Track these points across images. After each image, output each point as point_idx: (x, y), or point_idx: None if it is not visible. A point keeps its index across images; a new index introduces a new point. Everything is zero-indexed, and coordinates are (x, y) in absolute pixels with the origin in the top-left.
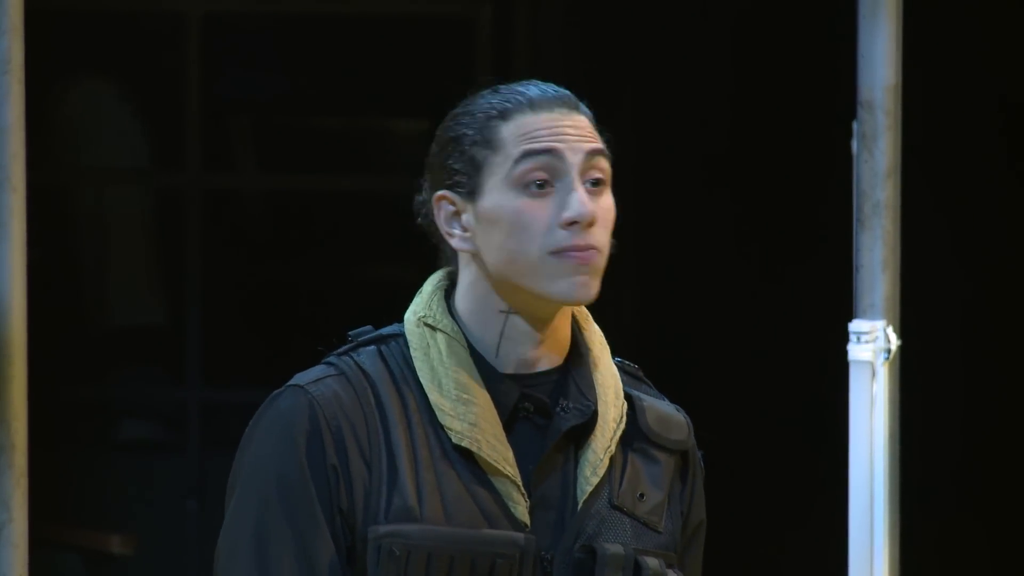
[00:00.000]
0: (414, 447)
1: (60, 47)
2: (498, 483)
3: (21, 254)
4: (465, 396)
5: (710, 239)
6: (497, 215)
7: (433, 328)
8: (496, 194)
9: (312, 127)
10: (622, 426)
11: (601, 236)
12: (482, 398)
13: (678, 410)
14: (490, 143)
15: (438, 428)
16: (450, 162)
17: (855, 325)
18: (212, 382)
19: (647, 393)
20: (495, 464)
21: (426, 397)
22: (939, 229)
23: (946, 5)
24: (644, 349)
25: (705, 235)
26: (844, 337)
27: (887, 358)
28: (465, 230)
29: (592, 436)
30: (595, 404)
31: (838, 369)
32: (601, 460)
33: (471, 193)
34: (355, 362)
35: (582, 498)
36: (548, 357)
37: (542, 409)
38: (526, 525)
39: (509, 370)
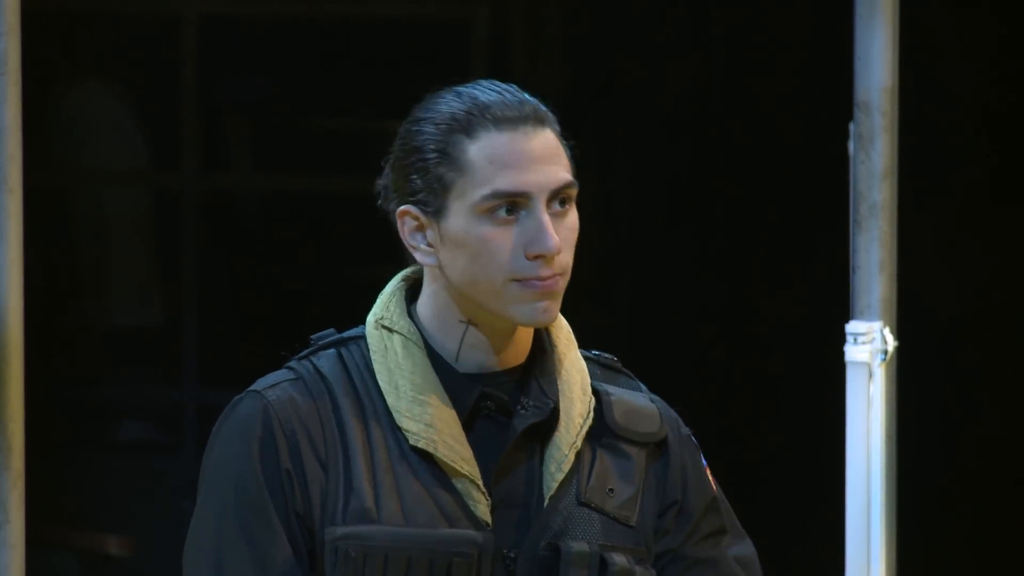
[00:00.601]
0: (371, 449)
1: (57, 48)
2: (458, 483)
3: (18, 255)
4: (421, 397)
5: (706, 240)
6: (462, 239)
7: (390, 330)
8: (461, 218)
9: (309, 129)
10: (588, 422)
11: (565, 259)
12: (439, 399)
13: (652, 400)
14: (455, 163)
15: (396, 430)
16: (414, 176)
17: (852, 326)
18: (209, 383)
19: (625, 385)
20: (452, 464)
21: (384, 399)
22: (936, 231)
23: (942, 7)
24: (638, 349)
25: (701, 236)
26: (841, 338)
27: (884, 359)
28: (429, 245)
29: (556, 433)
30: (555, 401)
31: (835, 370)
32: (566, 456)
33: (436, 212)
34: (314, 366)
35: (548, 495)
36: (510, 357)
37: (503, 408)
38: (487, 524)
39: (469, 370)
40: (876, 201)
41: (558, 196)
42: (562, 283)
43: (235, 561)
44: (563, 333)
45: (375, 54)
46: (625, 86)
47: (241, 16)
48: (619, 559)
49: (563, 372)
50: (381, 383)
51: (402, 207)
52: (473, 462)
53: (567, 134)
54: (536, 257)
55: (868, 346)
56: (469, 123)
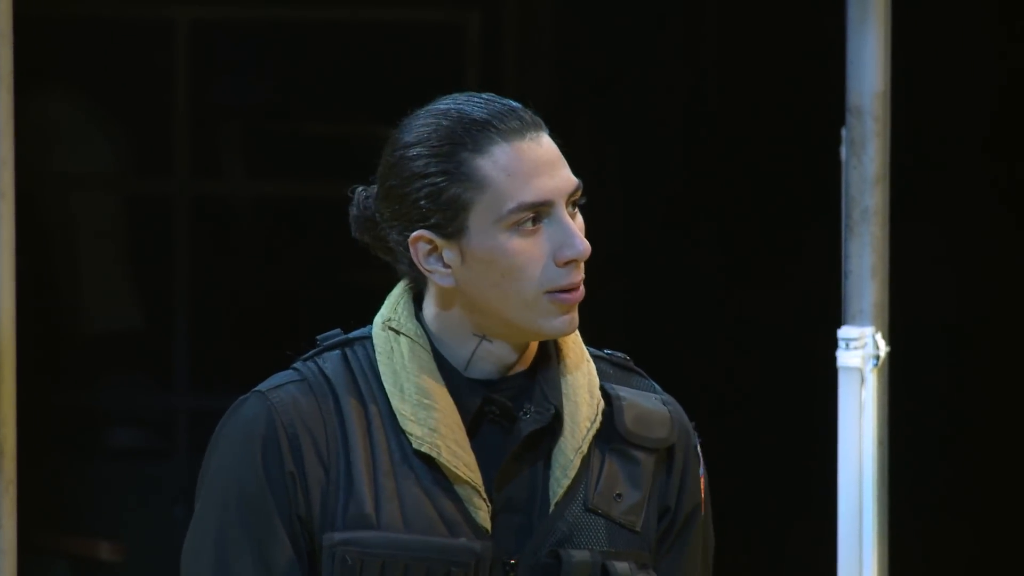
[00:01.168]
0: (373, 453)
1: (48, 53)
2: (459, 488)
3: (10, 260)
4: (426, 401)
5: (699, 245)
6: (489, 256)
7: (397, 332)
8: (485, 235)
9: (301, 134)
10: (596, 426)
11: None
12: (444, 403)
13: (665, 403)
14: (471, 181)
15: (399, 433)
16: (422, 202)
17: (844, 331)
18: (200, 389)
19: (638, 385)
20: (455, 470)
21: (389, 402)
22: (928, 236)
23: (934, 12)
24: (629, 353)
25: (694, 241)
26: (833, 343)
27: (875, 364)
28: (447, 266)
29: (562, 438)
30: (557, 406)
31: (827, 375)
32: (571, 461)
33: (454, 233)
34: (318, 367)
35: (553, 500)
36: (518, 363)
37: (507, 413)
38: (487, 531)
39: (475, 376)
40: (868, 206)
41: (572, 199)
42: (583, 288)
43: (237, 562)
44: (570, 335)
45: (367, 59)
46: (617, 91)
47: (233, 21)
48: (622, 567)
49: (568, 376)
50: (386, 385)
51: (415, 233)
52: (475, 468)
53: (555, 135)
54: (567, 263)
55: (860, 351)
56: (472, 139)
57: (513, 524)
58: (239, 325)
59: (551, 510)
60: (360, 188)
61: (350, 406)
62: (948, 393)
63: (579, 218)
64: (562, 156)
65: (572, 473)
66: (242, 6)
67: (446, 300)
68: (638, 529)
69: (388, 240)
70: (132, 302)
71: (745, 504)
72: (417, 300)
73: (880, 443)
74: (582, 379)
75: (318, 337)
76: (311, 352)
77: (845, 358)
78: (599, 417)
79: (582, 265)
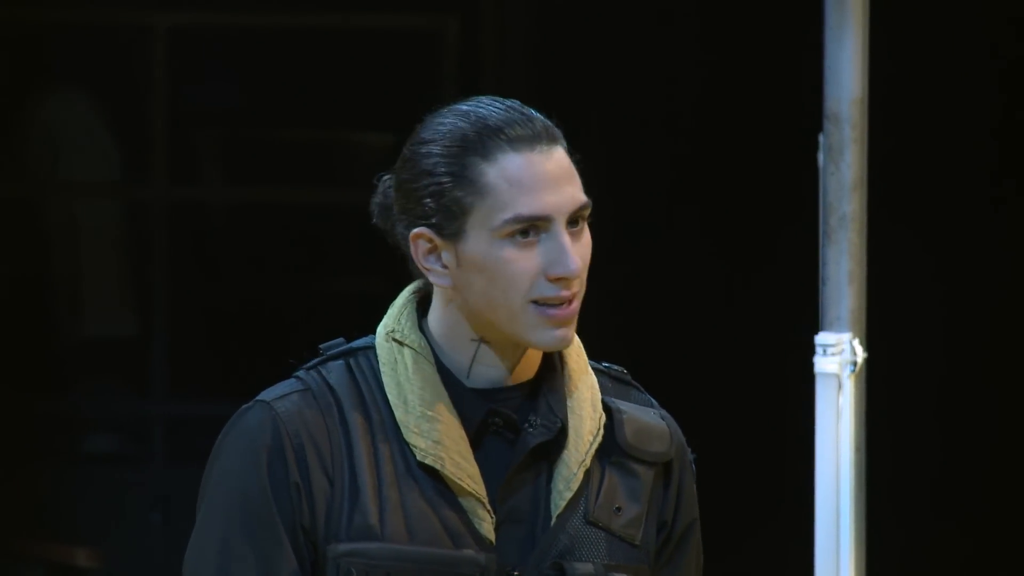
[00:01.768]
0: (378, 464)
1: (27, 61)
2: (463, 500)
3: None
4: (430, 413)
5: (677, 252)
6: (481, 263)
7: (400, 343)
8: (480, 241)
9: (279, 140)
10: (598, 439)
11: (581, 278)
12: (447, 414)
13: (663, 418)
14: (474, 186)
15: (403, 445)
16: (427, 200)
17: (821, 337)
18: (178, 396)
19: (636, 400)
20: (459, 482)
21: (393, 413)
22: (905, 242)
23: (912, 18)
24: (609, 360)
25: (672, 248)
26: (810, 349)
27: (853, 370)
28: (444, 267)
29: (565, 451)
30: (563, 420)
31: (804, 381)
32: (575, 475)
33: (453, 235)
34: (322, 377)
35: (555, 513)
36: (520, 372)
37: (511, 424)
38: (491, 542)
39: (479, 386)
40: (846, 213)
41: (574, 217)
42: (578, 305)
43: (240, 571)
44: (574, 348)
45: (345, 65)
46: (594, 97)
47: (211, 28)
48: None
49: (573, 389)
50: (390, 396)
51: (416, 230)
52: (479, 480)
53: (573, 149)
54: (557, 279)
55: (837, 358)
56: (483, 144)
57: (516, 536)
58: (217, 331)
59: (553, 522)
60: (386, 176)
61: (355, 417)
62: (926, 399)
63: (586, 236)
64: (574, 173)
65: (575, 486)
66: (220, 13)
67: (446, 301)
68: (637, 543)
69: (397, 232)
70: (110, 310)
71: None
72: (422, 307)
73: (857, 449)
74: (586, 392)
75: (321, 346)
76: (314, 361)
77: (823, 364)
78: (601, 430)
79: (576, 283)
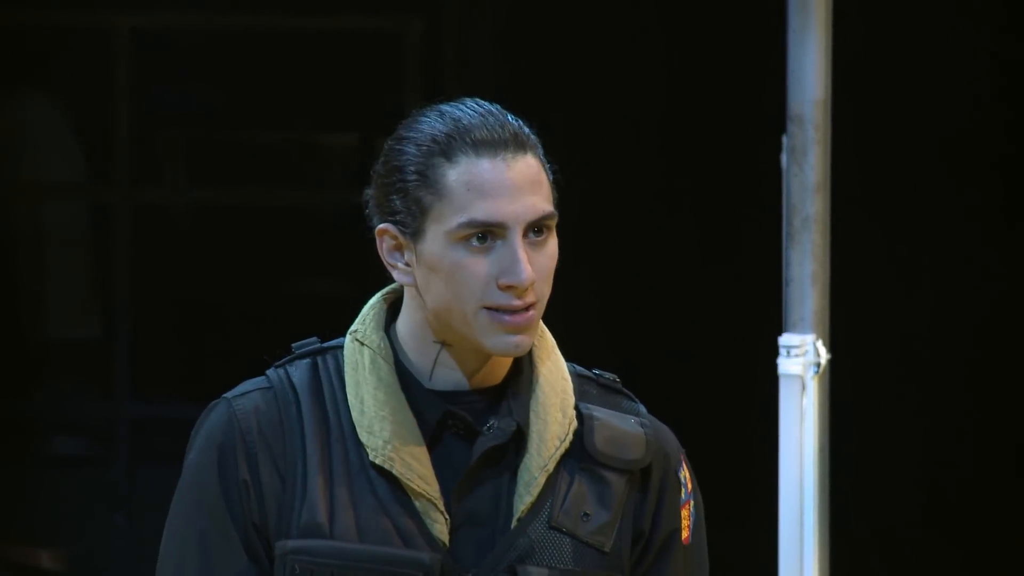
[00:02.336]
0: (331, 462)
1: None
2: (416, 501)
3: None
4: (383, 413)
5: (640, 253)
6: (437, 264)
7: (361, 343)
8: (437, 243)
9: (242, 141)
10: (565, 445)
11: (541, 289)
12: (402, 415)
13: (643, 426)
14: (434, 186)
15: (358, 444)
16: (394, 196)
17: (785, 339)
18: (142, 397)
19: (624, 408)
20: (409, 482)
21: (350, 412)
22: (869, 243)
23: (875, 20)
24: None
25: (635, 249)
26: (774, 351)
27: (817, 372)
28: (407, 264)
29: (527, 455)
30: (520, 424)
31: (768, 382)
32: (535, 479)
33: (414, 234)
34: (287, 375)
35: (516, 516)
36: (486, 376)
37: (468, 428)
38: (444, 544)
39: (441, 388)
40: (809, 214)
41: (535, 226)
42: (536, 314)
43: (191, 565)
44: (545, 352)
45: (309, 67)
46: (557, 99)
47: (174, 29)
48: None
49: (540, 393)
50: (349, 396)
51: (382, 226)
52: (433, 481)
53: (551, 158)
54: (508, 287)
55: (801, 359)
56: (449, 146)
57: (474, 538)
58: (180, 332)
59: (513, 526)
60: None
61: (311, 416)
62: (889, 400)
63: (550, 245)
64: (540, 183)
65: (535, 491)
66: (182, 14)
67: (412, 300)
68: (607, 550)
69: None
70: (74, 312)
71: None
72: (394, 309)
73: (821, 450)
74: (555, 397)
75: (293, 345)
76: (284, 359)
77: (786, 365)
78: (569, 436)
79: (531, 292)
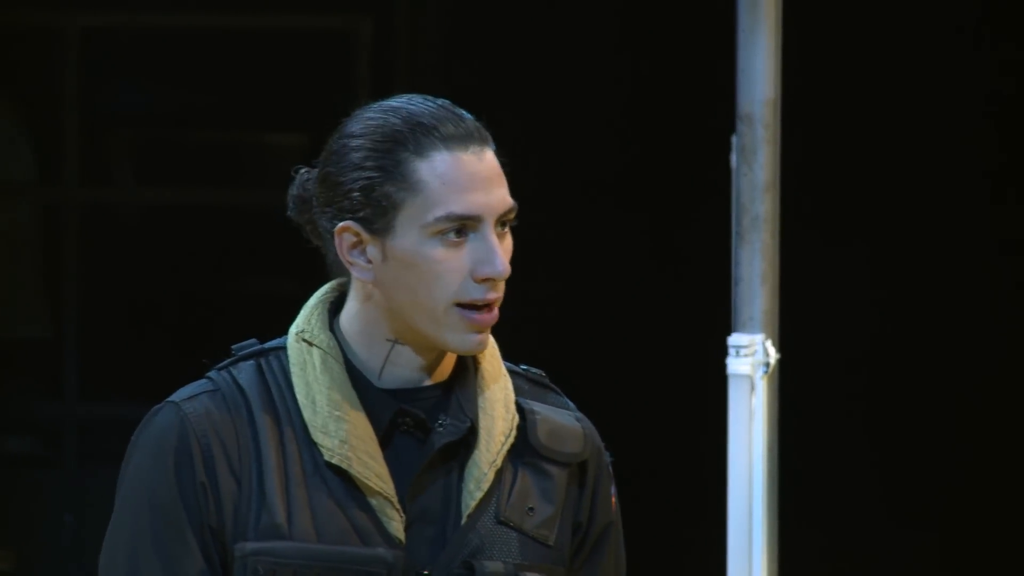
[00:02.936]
0: (286, 464)
1: None
2: (372, 500)
3: None
4: (337, 413)
5: (589, 252)
6: (410, 259)
7: (310, 344)
8: (410, 238)
9: (191, 141)
10: (511, 440)
11: (504, 285)
12: (356, 415)
13: (578, 420)
14: (406, 181)
15: (312, 445)
16: (355, 194)
17: (734, 339)
18: (90, 397)
19: (552, 402)
20: (367, 481)
21: (301, 413)
22: (818, 242)
23: (825, 20)
24: (519, 361)
25: (584, 248)
26: (723, 350)
27: (766, 371)
28: (369, 261)
29: (476, 451)
30: (473, 420)
31: (717, 382)
32: (485, 474)
33: (381, 230)
34: (232, 377)
35: (466, 512)
36: (434, 373)
37: (420, 425)
38: (400, 541)
39: (390, 386)
40: (758, 213)
41: (502, 219)
42: (497, 314)
43: (147, 571)
44: (488, 350)
45: (258, 66)
46: (508, 98)
47: (123, 29)
48: None
49: (485, 389)
50: (299, 397)
51: (342, 223)
52: (388, 479)
53: (501, 156)
54: (484, 280)
55: (750, 359)
56: (416, 141)
57: (427, 535)
58: (129, 333)
59: (464, 522)
60: (303, 168)
61: (263, 417)
62: (838, 400)
63: (508, 240)
64: (502, 175)
65: (485, 486)
66: (132, 13)
67: (365, 297)
68: (551, 543)
69: (319, 225)
70: (22, 310)
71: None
72: (334, 308)
73: (770, 450)
74: (499, 393)
75: (233, 347)
76: (225, 362)
77: (735, 365)
78: (514, 431)
79: (500, 287)
